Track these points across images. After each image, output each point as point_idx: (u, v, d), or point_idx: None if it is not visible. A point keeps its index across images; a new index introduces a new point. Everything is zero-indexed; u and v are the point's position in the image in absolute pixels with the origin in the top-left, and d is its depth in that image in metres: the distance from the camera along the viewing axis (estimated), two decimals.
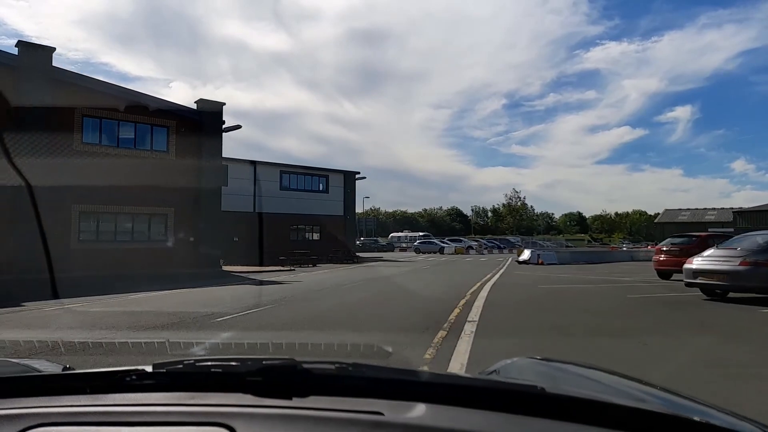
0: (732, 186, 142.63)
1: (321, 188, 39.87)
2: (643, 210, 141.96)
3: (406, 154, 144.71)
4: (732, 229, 44.22)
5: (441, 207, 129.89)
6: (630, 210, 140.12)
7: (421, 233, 75.15)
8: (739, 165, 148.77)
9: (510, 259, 36.27)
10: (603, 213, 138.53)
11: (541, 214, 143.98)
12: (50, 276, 10.54)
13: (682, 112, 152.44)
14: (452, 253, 51.31)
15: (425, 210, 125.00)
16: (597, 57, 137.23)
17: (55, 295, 10.97)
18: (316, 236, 38.56)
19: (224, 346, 6.40)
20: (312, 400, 1.11)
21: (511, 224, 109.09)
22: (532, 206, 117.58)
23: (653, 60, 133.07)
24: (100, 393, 1.19)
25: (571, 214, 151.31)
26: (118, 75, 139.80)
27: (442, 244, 53.12)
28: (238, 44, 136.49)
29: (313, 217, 37.56)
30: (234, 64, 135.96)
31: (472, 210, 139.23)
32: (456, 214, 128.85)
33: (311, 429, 1.03)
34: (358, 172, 42.51)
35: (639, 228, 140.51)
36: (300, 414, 1.07)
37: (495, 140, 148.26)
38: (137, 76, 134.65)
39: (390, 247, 68.73)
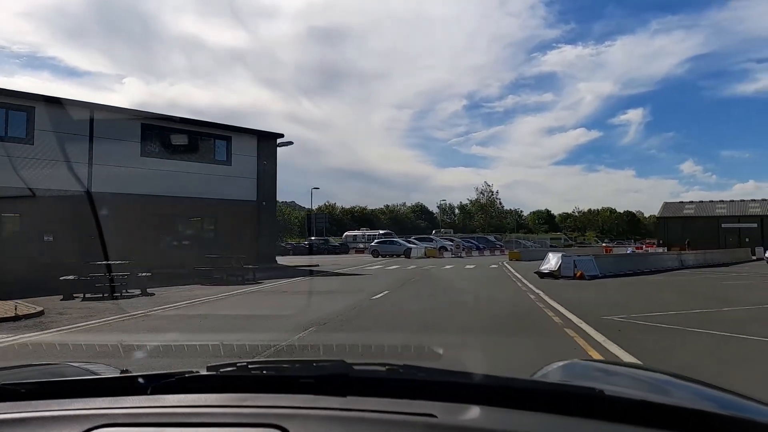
0: (681, 186, 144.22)
1: (218, 156, 24.57)
2: (613, 208, 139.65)
3: (369, 155, 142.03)
4: None
5: (404, 203, 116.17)
6: (599, 207, 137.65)
7: (381, 231, 60.59)
8: (688, 166, 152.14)
9: (500, 264, 29.43)
10: (576, 210, 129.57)
11: (510, 211, 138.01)
12: None
13: (635, 115, 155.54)
14: (421, 256, 37.23)
15: (387, 207, 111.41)
16: (554, 60, 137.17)
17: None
18: (210, 233, 23.28)
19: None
20: (363, 402, 1.11)
21: (482, 221, 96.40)
22: (501, 203, 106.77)
23: (607, 64, 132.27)
24: (159, 394, 1.21)
25: (539, 212, 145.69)
26: (66, 70, 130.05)
27: (408, 245, 38.90)
28: (193, 40, 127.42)
29: (200, 203, 22.31)
30: (190, 61, 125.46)
31: (439, 207, 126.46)
32: (421, 211, 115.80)
33: (363, 431, 1.04)
34: (281, 135, 27.57)
35: (611, 226, 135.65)
36: (352, 416, 1.07)
37: (456, 141, 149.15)
38: (87, 71, 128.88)
39: (344, 249, 54.83)
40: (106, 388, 1.30)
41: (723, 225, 56.35)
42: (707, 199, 63.32)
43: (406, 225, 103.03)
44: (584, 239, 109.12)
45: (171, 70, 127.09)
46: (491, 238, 61.61)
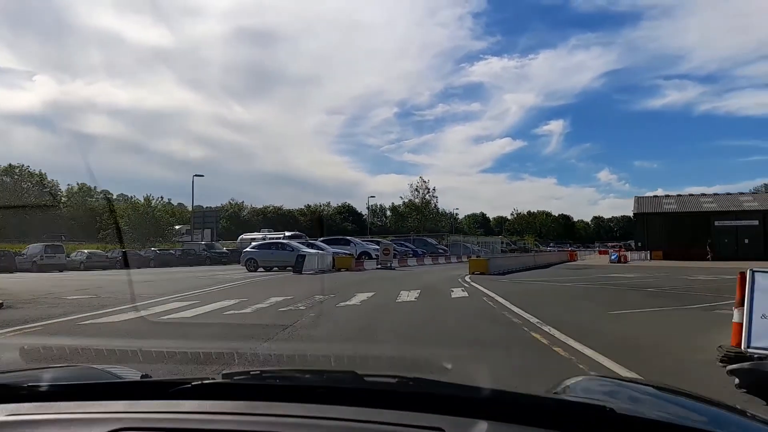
0: (598, 194, 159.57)
1: None
2: (548, 211, 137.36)
3: (301, 160, 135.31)
4: None
5: (329, 203, 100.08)
6: (535, 210, 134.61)
7: (288, 233, 44.17)
8: (604, 175, 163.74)
9: (466, 284, 17.07)
10: (516, 213, 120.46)
11: (446, 213, 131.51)
12: None
13: (556, 126, 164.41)
14: (327, 269, 20.98)
15: (308, 207, 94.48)
16: (481, 71, 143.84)
17: None
18: None
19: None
20: (373, 413, 1.11)
21: (416, 223, 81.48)
22: (436, 204, 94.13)
23: (531, 76, 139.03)
24: (176, 399, 1.22)
25: (474, 215, 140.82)
26: None
27: (306, 250, 22.52)
28: (112, 37, 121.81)
29: None
30: (108, 59, 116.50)
31: (368, 208, 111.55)
32: (348, 212, 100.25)
33: None
34: None
35: (548, 229, 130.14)
36: (362, 427, 1.08)
37: (388, 148, 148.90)
38: None
39: (234, 257, 37.37)
40: (125, 391, 1.32)
41: (716, 223, 44.36)
42: (686, 193, 51.81)
43: (332, 227, 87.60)
44: (523, 243, 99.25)
45: (87, 68, 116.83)
46: (431, 240, 46.59)
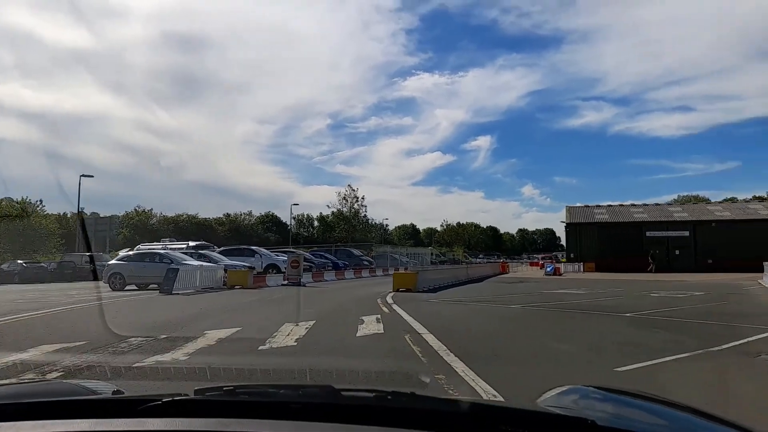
0: (522, 208, 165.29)
1: None
2: (477, 223, 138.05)
3: (229, 169, 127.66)
4: None
5: (250, 212, 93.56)
6: (464, 222, 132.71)
7: (193, 243, 37.81)
8: (528, 190, 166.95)
9: (385, 307, 13.20)
10: (446, 224, 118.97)
11: (375, 225, 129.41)
12: None
13: (483, 142, 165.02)
14: (217, 287, 15.76)
15: (227, 216, 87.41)
16: (413, 86, 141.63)
17: None
18: None
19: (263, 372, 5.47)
20: (351, 429, 1.08)
21: (344, 233, 76.93)
22: (366, 214, 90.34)
23: (460, 93, 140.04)
24: (145, 417, 1.18)
25: (404, 226, 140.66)
26: None
27: (191, 263, 17.11)
28: (25, 36, 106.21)
29: None
30: (20, 59, 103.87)
31: (295, 218, 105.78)
32: (272, 222, 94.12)
33: None
34: None
35: (476, 241, 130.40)
36: None
37: (320, 159, 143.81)
38: None
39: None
40: (92, 409, 1.26)
41: (648, 233, 42.95)
42: (616, 203, 50.55)
43: (253, 238, 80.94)
44: (453, 254, 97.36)
45: None
46: (356, 251, 42.06)
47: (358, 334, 8.34)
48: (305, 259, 31.13)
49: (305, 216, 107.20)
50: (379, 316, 10.58)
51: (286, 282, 22.10)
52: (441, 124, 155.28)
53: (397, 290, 18.37)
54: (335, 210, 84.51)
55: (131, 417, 1.17)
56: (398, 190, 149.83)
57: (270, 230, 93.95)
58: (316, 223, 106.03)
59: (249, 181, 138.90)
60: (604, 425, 1.06)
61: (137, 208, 72.78)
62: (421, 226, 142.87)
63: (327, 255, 35.59)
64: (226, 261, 23.26)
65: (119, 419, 1.17)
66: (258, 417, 1.13)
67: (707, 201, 48.02)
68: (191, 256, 22.70)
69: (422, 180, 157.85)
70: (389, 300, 14.61)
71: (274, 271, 25.80)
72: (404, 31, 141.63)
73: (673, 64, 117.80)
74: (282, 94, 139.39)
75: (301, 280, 22.35)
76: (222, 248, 29.33)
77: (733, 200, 49.76)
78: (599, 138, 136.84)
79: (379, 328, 8.98)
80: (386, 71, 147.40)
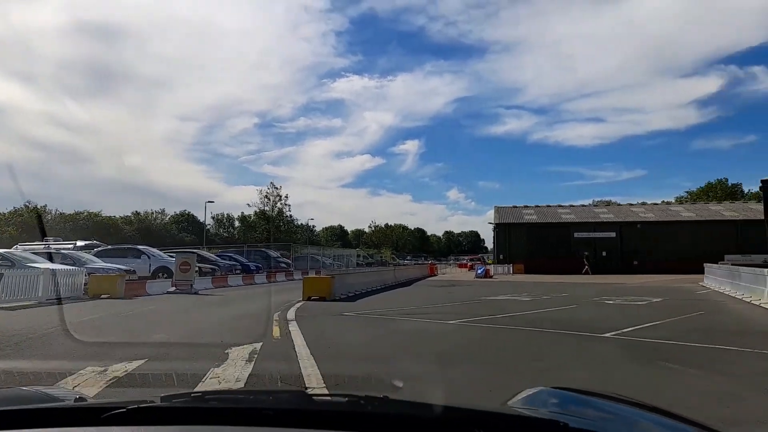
0: (448, 211, 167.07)
1: None
2: (405, 225, 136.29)
3: (149, 167, 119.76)
4: None
5: (163, 210, 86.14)
6: (393, 224, 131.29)
7: (81, 242, 32.33)
8: (453, 194, 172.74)
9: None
10: (372, 225, 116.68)
11: (301, 226, 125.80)
12: None
13: (412, 146, 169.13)
14: (74, 298, 12.49)
15: (137, 214, 79.68)
16: (342, 88, 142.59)
17: None
18: None
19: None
20: None
21: (265, 234, 72.27)
22: (290, 213, 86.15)
23: (389, 97, 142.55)
24: (109, 425, 1.12)
25: (332, 227, 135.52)
26: None
27: (39, 266, 12.92)
28: None
29: None
30: None
31: (214, 218, 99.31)
32: (187, 221, 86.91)
33: None
34: None
35: (404, 242, 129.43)
36: None
37: (247, 158, 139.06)
38: None
39: None
40: (53, 418, 1.19)
41: (575, 234, 41.91)
42: (544, 204, 49.48)
43: (166, 238, 74.01)
44: (381, 256, 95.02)
45: None
46: (273, 253, 37.82)
47: (197, 389, 4.69)
48: (209, 262, 26.74)
49: (225, 216, 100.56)
50: (258, 346, 6.91)
51: (173, 289, 17.80)
52: (370, 126, 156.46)
53: (309, 299, 14.76)
54: (257, 209, 79.19)
55: (94, 425, 1.11)
56: (327, 191, 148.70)
57: (186, 230, 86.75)
58: (237, 224, 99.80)
59: (171, 180, 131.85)
60: (576, 427, 1.06)
61: (27, 205, 63.99)
62: (351, 228, 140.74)
63: (237, 257, 31.20)
64: (98, 263, 18.56)
65: (82, 428, 1.12)
66: (228, 424, 1.09)
67: (630, 204, 48.11)
68: (51, 258, 17.85)
69: (351, 182, 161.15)
70: (291, 315, 10.95)
71: (165, 275, 21.34)
72: (334, 33, 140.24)
73: (587, 77, 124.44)
74: (206, 91, 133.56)
75: (193, 286, 18.12)
76: (100, 248, 24.35)
77: (655, 204, 50.28)
78: (520, 145, 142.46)
79: (243, 372, 5.36)
80: (316, 72, 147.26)
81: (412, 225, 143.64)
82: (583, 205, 48.50)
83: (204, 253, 29.36)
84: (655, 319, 10.27)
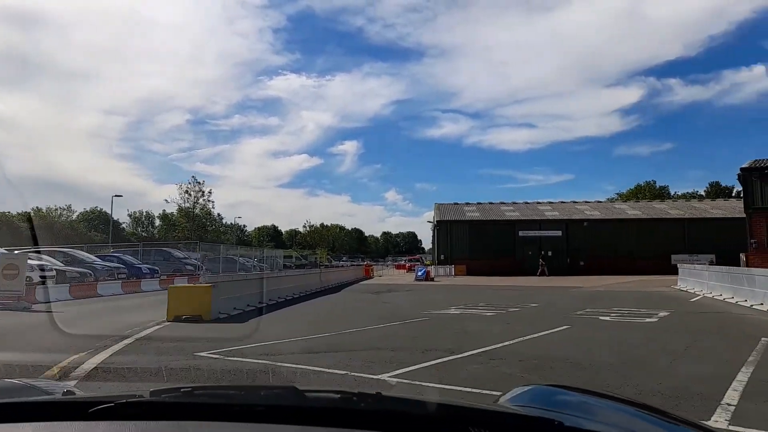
0: (387, 212, 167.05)
1: None
2: (342, 225, 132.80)
3: (69, 163, 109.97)
4: None
5: (69, 206, 76.78)
6: (329, 224, 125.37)
7: None
8: (391, 195, 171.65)
9: None
10: (307, 225, 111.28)
11: (230, 225, 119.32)
12: None
13: (350, 147, 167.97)
14: None
15: (38, 210, 70.04)
16: (280, 86, 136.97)
17: None
18: None
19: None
20: (314, 431, 1.03)
21: (186, 232, 65.42)
22: (214, 207, 79.74)
23: (327, 96, 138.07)
24: (97, 420, 1.09)
25: (265, 227, 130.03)
26: None
27: None
28: None
29: None
30: None
31: (131, 216, 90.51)
32: (99, 219, 77.95)
33: None
34: None
35: (341, 243, 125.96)
36: None
37: (177, 156, 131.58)
38: None
39: None
40: (38, 412, 1.15)
41: (520, 233, 38.70)
42: (486, 201, 46.16)
43: (73, 239, 65.28)
44: (316, 257, 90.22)
45: None
46: (179, 253, 31.90)
47: None
48: (82, 264, 20.81)
49: (144, 213, 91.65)
50: None
51: None
52: (308, 126, 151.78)
53: (175, 319, 9.74)
54: (181, 205, 71.57)
55: (81, 420, 1.08)
56: (264, 191, 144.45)
57: (96, 228, 77.57)
58: (158, 222, 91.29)
59: (96, 177, 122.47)
60: (570, 425, 1.04)
61: None
62: (286, 228, 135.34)
63: (127, 257, 25.20)
64: None
65: (68, 422, 1.09)
66: (218, 419, 1.06)
67: (574, 201, 45.70)
68: None
69: (289, 182, 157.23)
70: (96, 361, 5.96)
71: None
72: (271, 30, 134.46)
73: (519, 84, 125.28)
74: (134, 85, 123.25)
75: (20, 299, 12.48)
76: None
77: (599, 201, 48.26)
78: (457, 148, 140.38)
79: None
80: (252, 69, 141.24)
81: (350, 226, 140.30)
82: (527, 203, 45.57)
83: (78, 252, 23.27)
84: (724, 357, 6.14)
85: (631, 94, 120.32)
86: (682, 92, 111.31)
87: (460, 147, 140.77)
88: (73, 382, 4.84)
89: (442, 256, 39.10)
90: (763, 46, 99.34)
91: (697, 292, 15.63)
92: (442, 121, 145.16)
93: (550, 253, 38.14)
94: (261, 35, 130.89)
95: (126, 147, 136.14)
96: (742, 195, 19.65)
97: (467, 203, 45.28)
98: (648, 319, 9.79)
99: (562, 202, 44.78)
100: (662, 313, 10.67)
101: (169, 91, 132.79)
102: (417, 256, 62.77)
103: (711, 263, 35.22)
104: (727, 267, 14.50)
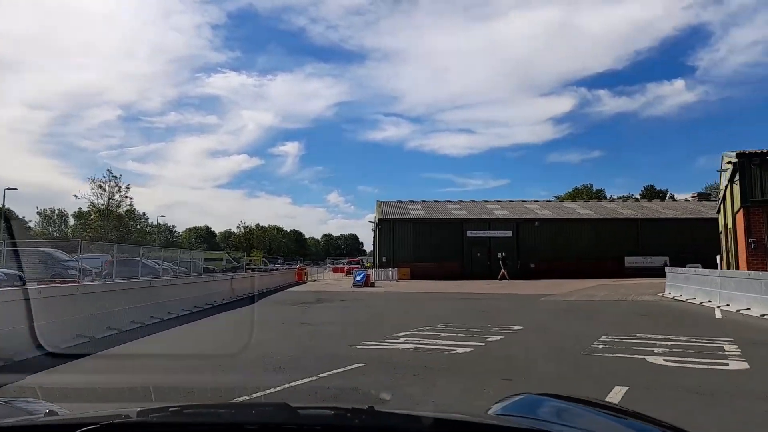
0: (328, 215, 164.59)
1: None
2: (280, 226, 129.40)
3: None
4: None
5: None
6: (266, 225, 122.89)
7: None
8: (333, 197, 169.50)
9: None
10: (241, 226, 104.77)
11: (158, 225, 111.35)
12: None
13: (292, 148, 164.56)
14: None
15: None
16: (219, 84, 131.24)
17: None
18: None
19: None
20: None
21: (100, 232, 58.45)
22: (144, 213, 73.52)
23: (269, 96, 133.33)
24: None
25: (197, 228, 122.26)
26: None
27: None
28: None
29: None
30: None
31: (40, 214, 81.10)
32: None
33: None
34: None
35: (279, 245, 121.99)
36: None
37: (108, 154, 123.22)
38: None
39: None
40: None
41: (468, 233, 35.16)
42: (431, 199, 42.48)
43: None
44: (250, 259, 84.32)
45: None
46: (62, 255, 25.87)
47: None
48: None
49: (55, 211, 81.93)
50: None
51: None
52: (248, 126, 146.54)
53: None
54: (94, 202, 63.67)
55: None
56: (201, 191, 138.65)
57: None
58: (72, 220, 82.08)
59: (16, 175, 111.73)
60: None
61: None
62: (223, 230, 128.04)
63: None
64: None
65: None
66: None
67: (523, 200, 42.87)
68: None
69: (227, 182, 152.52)
70: None
71: None
72: (210, 26, 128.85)
73: (459, 90, 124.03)
74: (61, 78, 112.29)
75: None
76: None
77: (548, 201, 45.76)
78: (399, 151, 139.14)
79: None
80: (189, 65, 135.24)
81: (292, 228, 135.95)
82: (474, 201, 42.26)
83: None
84: None
85: (564, 104, 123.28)
86: (610, 103, 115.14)
87: (402, 150, 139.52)
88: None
89: (383, 258, 34.92)
90: (684, 62, 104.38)
91: (705, 304, 12.21)
92: (384, 124, 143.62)
93: (500, 255, 34.87)
94: (199, 31, 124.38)
95: (51, 143, 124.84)
96: (734, 185, 16.57)
97: (411, 201, 41.42)
98: (729, 366, 5.86)
99: (511, 201, 41.79)
100: (731, 349, 6.80)
101: (99, 85, 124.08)
102: (357, 259, 58.46)
103: (666, 265, 32.85)
104: (760, 272, 11.07)
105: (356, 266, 39.13)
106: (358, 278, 24.71)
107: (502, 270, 29.48)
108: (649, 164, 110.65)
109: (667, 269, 15.70)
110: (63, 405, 1.97)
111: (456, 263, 34.26)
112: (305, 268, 36.63)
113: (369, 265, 40.69)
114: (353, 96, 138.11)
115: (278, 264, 71.60)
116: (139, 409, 1.09)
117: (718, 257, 20.86)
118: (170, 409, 1.10)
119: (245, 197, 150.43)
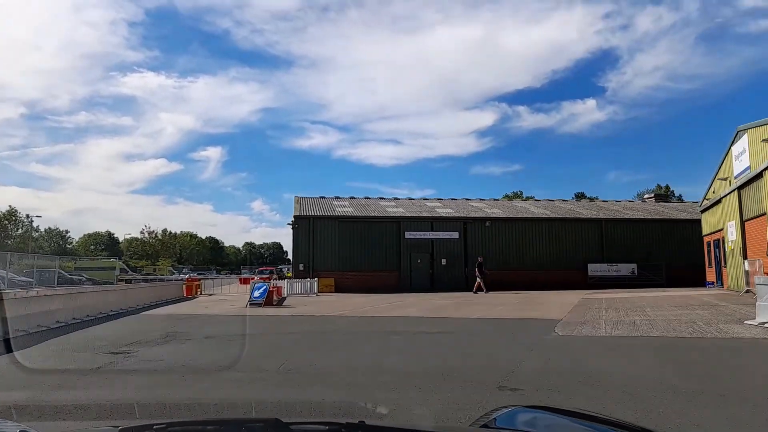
0: (252, 223, 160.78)
1: None
2: (194, 233, 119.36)
3: None
4: None
5: None
6: (178, 231, 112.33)
7: None
8: (258, 205, 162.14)
9: None
10: (146, 233, 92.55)
11: (50, 231, 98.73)
12: None
13: (214, 153, 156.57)
14: None
15: None
16: (135, 84, 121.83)
17: None
18: None
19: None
20: None
21: None
22: (29, 216, 62.99)
23: (189, 99, 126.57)
24: None
25: (97, 234, 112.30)
26: None
27: None
28: None
29: None
30: None
31: None
32: None
33: None
34: None
35: (192, 253, 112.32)
36: None
37: (9, 154, 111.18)
38: None
39: None
40: None
41: (407, 234, 28.17)
42: (362, 196, 35.18)
43: None
44: (155, 268, 73.61)
45: None
46: None
47: None
48: None
49: None
50: None
51: None
52: (166, 129, 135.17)
53: None
54: None
55: None
56: (113, 197, 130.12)
57: None
58: None
59: None
60: None
61: None
62: (128, 236, 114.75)
63: None
64: None
65: None
66: None
67: (467, 199, 36.74)
68: None
69: (143, 188, 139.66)
70: None
71: None
72: (126, 22, 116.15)
73: (386, 101, 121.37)
74: None
75: None
76: None
77: (495, 199, 39.93)
78: (326, 160, 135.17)
79: None
80: (102, 63, 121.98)
81: (213, 236, 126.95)
82: (412, 200, 35.48)
83: None
84: None
85: (487, 118, 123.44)
86: (529, 119, 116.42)
87: (329, 159, 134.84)
88: None
89: (300, 266, 27.08)
90: (595, 82, 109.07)
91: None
92: (311, 132, 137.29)
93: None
94: (114, 27, 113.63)
95: None
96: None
97: (338, 197, 33.94)
98: None
99: (454, 200, 35.37)
100: None
101: (0, 79, 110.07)
102: (274, 267, 49.98)
103: (633, 274, 27.05)
104: None
105: (266, 276, 31.01)
106: (256, 294, 16.83)
107: (478, 280, 22.33)
108: (570, 176, 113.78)
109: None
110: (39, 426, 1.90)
111: (393, 273, 27.25)
112: (198, 280, 27.98)
113: (289, 274, 32.74)
114: (279, 102, 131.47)
115: (183, 274, 61.56)
116: (121, 427, 1.00)
117: (746, 262, 15.16)
118: (155, 427, 1.00)
119: (163, 203, 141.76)
